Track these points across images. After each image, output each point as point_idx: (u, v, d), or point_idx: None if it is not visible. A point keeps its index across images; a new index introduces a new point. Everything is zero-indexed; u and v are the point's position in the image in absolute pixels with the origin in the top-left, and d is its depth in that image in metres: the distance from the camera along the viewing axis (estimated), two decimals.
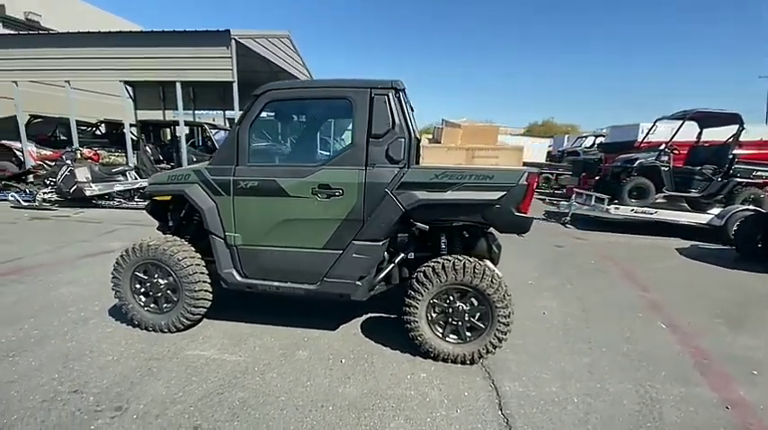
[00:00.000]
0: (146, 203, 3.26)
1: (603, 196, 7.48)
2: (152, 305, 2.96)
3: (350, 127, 2.69)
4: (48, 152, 9.03)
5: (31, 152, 9.04)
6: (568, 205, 8.09)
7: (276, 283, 2.80)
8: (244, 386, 2.35)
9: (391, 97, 2.54)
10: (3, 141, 9.17)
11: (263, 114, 2.74)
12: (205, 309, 2.97)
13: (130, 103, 12.22)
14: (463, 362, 2.63)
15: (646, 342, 3.07)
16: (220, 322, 3.16)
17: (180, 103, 8.92)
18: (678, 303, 3.90)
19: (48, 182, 7.62)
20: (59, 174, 7.38)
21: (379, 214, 2.56)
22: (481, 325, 2.61)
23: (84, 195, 7.49)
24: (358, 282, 2.69)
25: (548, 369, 2.64)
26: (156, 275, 2.91)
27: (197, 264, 2.89)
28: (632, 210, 7.15)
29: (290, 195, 2.63)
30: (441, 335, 2.67)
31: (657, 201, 8.23)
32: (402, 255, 2.84)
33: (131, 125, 10.61)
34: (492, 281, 2.52)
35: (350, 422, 2.07)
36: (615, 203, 7.35)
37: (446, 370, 2.59)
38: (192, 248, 2.95)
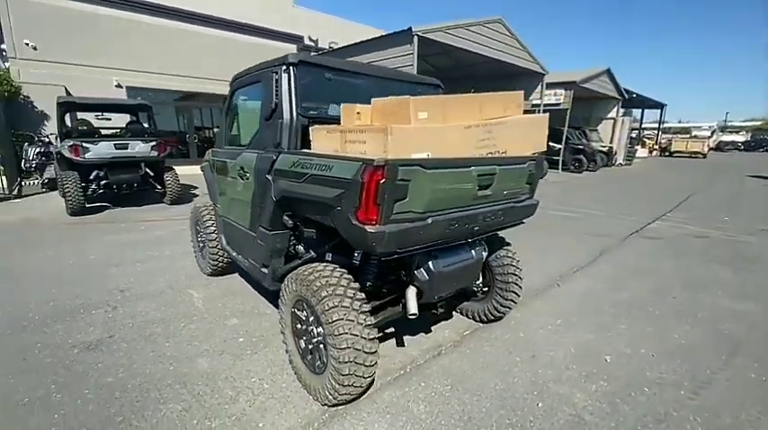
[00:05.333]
0: None
1: None
2: (201, 252, 3.98)
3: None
4: None
5: None
6: None
7: (234, 253, 3.15)
8: (168, 325, 2.91)
9: (280, 74, 2.29)
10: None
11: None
12: (221, 264, 3.69)
13: None
14: (315, 397, 2.12)
15: None
16: (240, 278, 3.83)
17: None
18: None
19: None
20: None
21: (264, 202, 2.42)
22: (326, 357, 2.02)
23: None
24: (263, 269, 2.65)
25: None
26: (201, 231, 3.89)
27: (216, 228, 3.64)
28: None
29: (230, 176, 2.88)
30: (301, 354, 2.25)
31: None
32: (312, 254, 2.53)
33: None
34: (328, 304, 1.89)
35: (161, 385, 2.23)
36: None
37: (291, 395, 2.19)
38: None
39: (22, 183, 8.86)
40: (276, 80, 2.30)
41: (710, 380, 2.41)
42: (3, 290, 3.45)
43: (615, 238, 5.72)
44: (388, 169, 1.63)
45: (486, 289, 2.98)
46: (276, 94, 2.29)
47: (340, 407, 2.08)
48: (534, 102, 14.36)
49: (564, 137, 14.94)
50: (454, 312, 3.20)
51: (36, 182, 8.92)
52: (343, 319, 1.86)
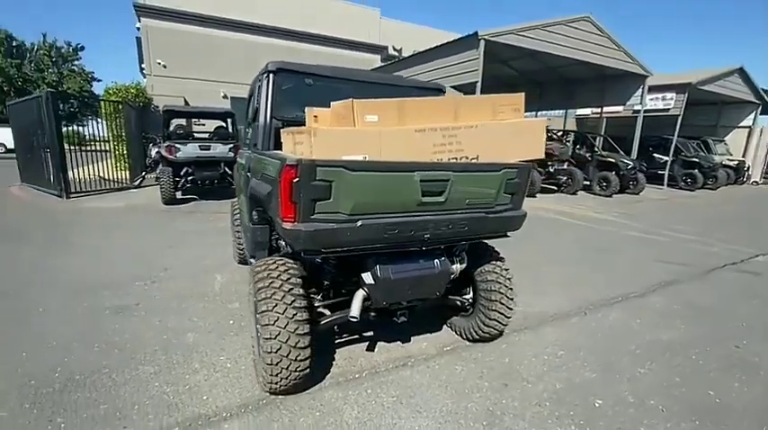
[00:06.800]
0: None
1: None
2: (235, 242, 4.44)
3: None
4: None
5: None
6: None
7: (244, 244, 3.47)
8: (183, 301, 3.33)
9: (262, 80, 2.48)
10: None
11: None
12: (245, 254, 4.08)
13: None
14: (259, 383, 2.25)
15: None
16: None
17: None
18: None
19: None
20: None
21: (246, 197, 2.64)
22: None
23: None
24: (251, 260, 2.88)
25: None
26: (234, 223, 4.35)
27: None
28: None
29: (241, 173, 3.20)
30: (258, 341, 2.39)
31: None
32: (288, 249, 2.67)
33: None
34: (261, 295, 2.00)
35: (149, 349, 2.59)
36: None
37: (243, 378, 2.35)
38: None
39: (145, 177, 10.87)
40: (259, 86, 2.51)
41: None
42: (83, 262, 4.32)
43: (696, 269, 4.75)
44: (302, 169, 1.68)
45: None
46: (257, 99, 2.50)
47: (280, 397, 2.17)
48: (635, 107, 12.62)
49: (672, 147, 12.77)
50: (444, 326, 3.05)
51: (153, 175, 10.85)
52: (271, 311, 1.95)
